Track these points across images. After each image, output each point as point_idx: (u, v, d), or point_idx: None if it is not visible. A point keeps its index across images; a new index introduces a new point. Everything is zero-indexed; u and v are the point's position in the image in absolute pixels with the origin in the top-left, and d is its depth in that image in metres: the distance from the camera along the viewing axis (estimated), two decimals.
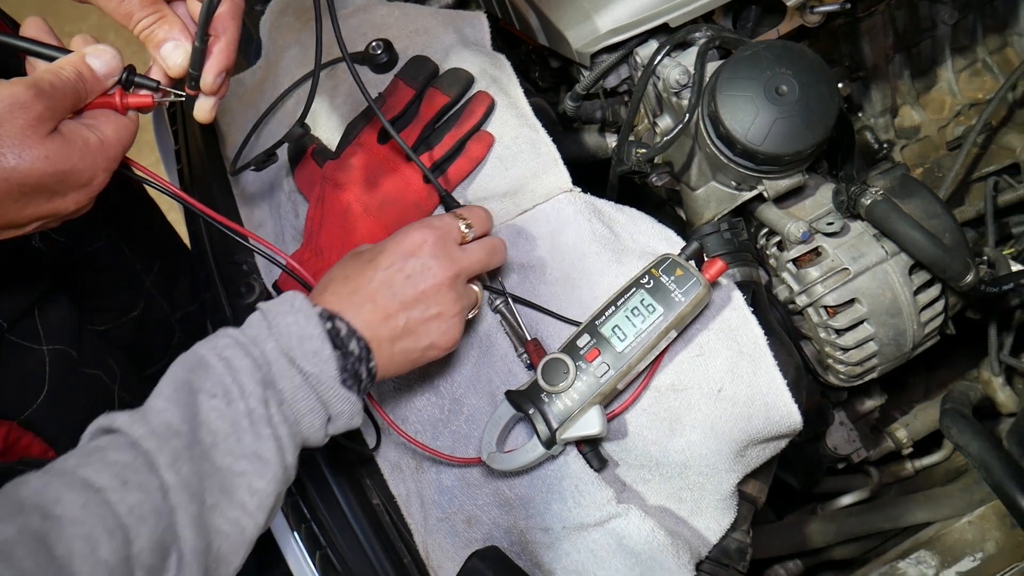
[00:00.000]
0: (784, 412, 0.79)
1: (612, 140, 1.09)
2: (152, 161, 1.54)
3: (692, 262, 0.79)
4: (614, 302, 0.79)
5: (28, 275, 0.91)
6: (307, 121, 1.05)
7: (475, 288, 0.81)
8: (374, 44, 1.02)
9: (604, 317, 0.79)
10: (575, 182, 0.93)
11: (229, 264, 1.15)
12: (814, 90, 0.86)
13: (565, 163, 0.94)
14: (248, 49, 1.29)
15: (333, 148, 1.01)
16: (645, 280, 0.79)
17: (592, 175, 1.03)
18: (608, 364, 0.77)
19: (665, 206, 1.18)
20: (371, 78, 1.03)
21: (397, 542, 0.94)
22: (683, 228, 1.07)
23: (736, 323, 0.82)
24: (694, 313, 0.79)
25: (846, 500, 1.19)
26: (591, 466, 0.81)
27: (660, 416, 0.81)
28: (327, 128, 1.04)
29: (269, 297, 1.08)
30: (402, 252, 0.76)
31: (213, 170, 1.19)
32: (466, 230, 0.80)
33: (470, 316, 0.81)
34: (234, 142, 1.15)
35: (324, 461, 0.98)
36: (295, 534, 0.99)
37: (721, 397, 0.80)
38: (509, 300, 0.86)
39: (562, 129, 1.14)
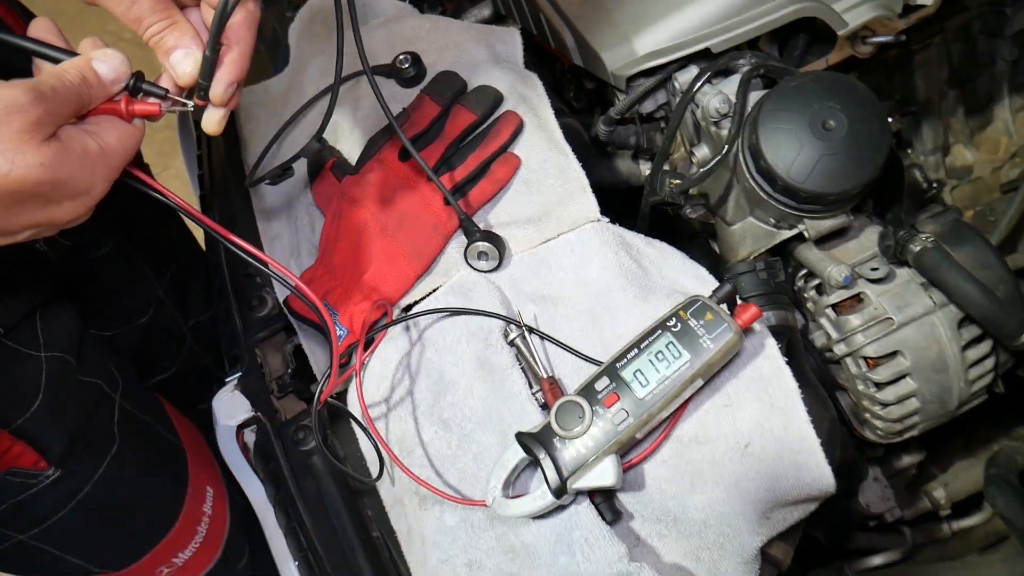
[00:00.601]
0: (816, 474, 0.73)
1: (646, 168, 1.04)
2: (178, 163, 1.52)
3: (724, 306, 0.74)
4: (637, 344, 0.74)
5: (31, 280, 0.87)
6: (328, 133, 1.02)
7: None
8: (401, 57, 0.98)
9: (626, 360, 0.73)
10: (605, 209, 0.88)
11: (243, 275, 1.11)
12: (864, 126, 0.81)
13: (595, 189, 0.90)
14: (276, 56, 1.27)
15: (353, 162, 0.96)
16: (672, 323, 0.73)
17: (623, 203, 0.98)
18: (627, 411, 0.72)
19: (698, 238, 1.13)
20: (397, 92, 0.99)
21: None
22: (716, 263, 1.02)
23: (768, 373, 0.76)
24: (723, 361, 0.73)
25: (877, 560, 1.12)
26: (603, 518, 0.75)
27: (681, 469, 0.75)
28: (349, 142, 1.00)
29: (280, 312, 1.04)
30: None
31: (234, 177, 1.16)
32: None
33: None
34: (256, 150, 1.12)
35: (324, 488, 0.94)
36: (296, 564, 0.95)
37: (748, 453, 0.74)
38: (526, 333, 0.81)
39: (594, 153, 1.09)
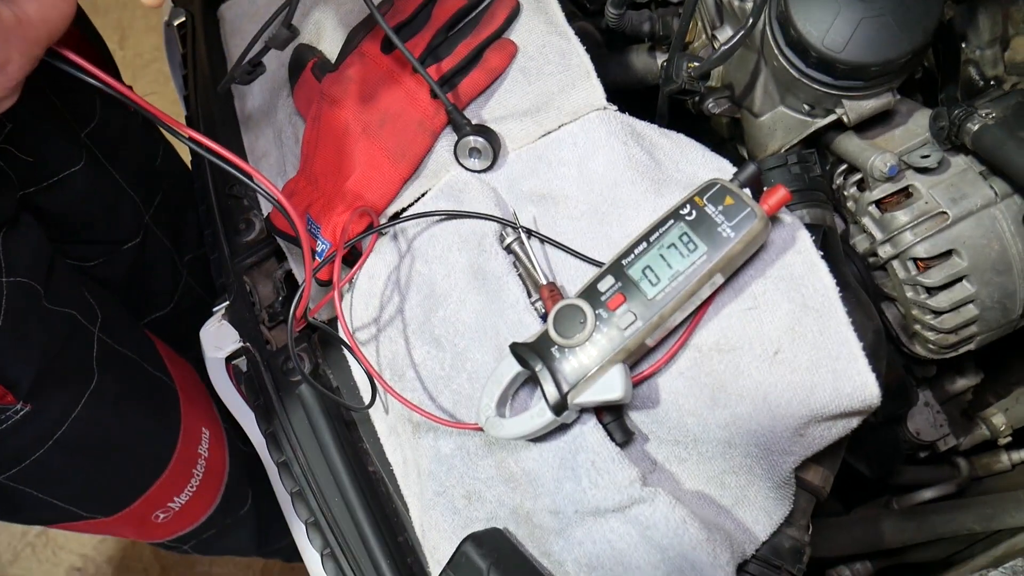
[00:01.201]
0: (858, 382, 0.63)
1: (663, 60, 0.93)
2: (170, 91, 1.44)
3: (747, 190, 0.63)
4: (646, 238, 0.64)
5: None
6: (311, 34, 0.93)
7: None
8: None
9: (633, 256, 0.64)
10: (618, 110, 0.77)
11: (228, 197, 1.03)
12: None
13: (607, 89, 0.79)
14: None
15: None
16: (686, 210, 0.63)
17: (640, 106, 0.87)
18: (635, 314, 0.62)
19: (727, 144, 1.02)
20: None
21: (393, 517, 0.82)
22: None
23: (800, 270, 0.65)
24: (747, 253, 0.63)
25: (928, 494, 1.01)
26: (612, 439, 0.66)
27: (700, 382, 0.65)
28: (332, 41, 0.90)
29: (270, 235, 0.96)
30: None
31: (219, 97, 1.08)
32: None
33: None
34: None
35: (315, 422, 0.86)
36: (292, 502, 0.88)
37: (778, 361, 0.64)
38: (523, 236, 0.72)
39: (606, 52, 0.98)
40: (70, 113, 0.93)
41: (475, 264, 0.73)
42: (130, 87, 1.21)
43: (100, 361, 0.93)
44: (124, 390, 0.96)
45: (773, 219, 0.65)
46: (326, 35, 0.91)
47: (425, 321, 0.76)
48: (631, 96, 0.90)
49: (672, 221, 0.63)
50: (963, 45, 1.12)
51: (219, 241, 1.01)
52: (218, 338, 0.97)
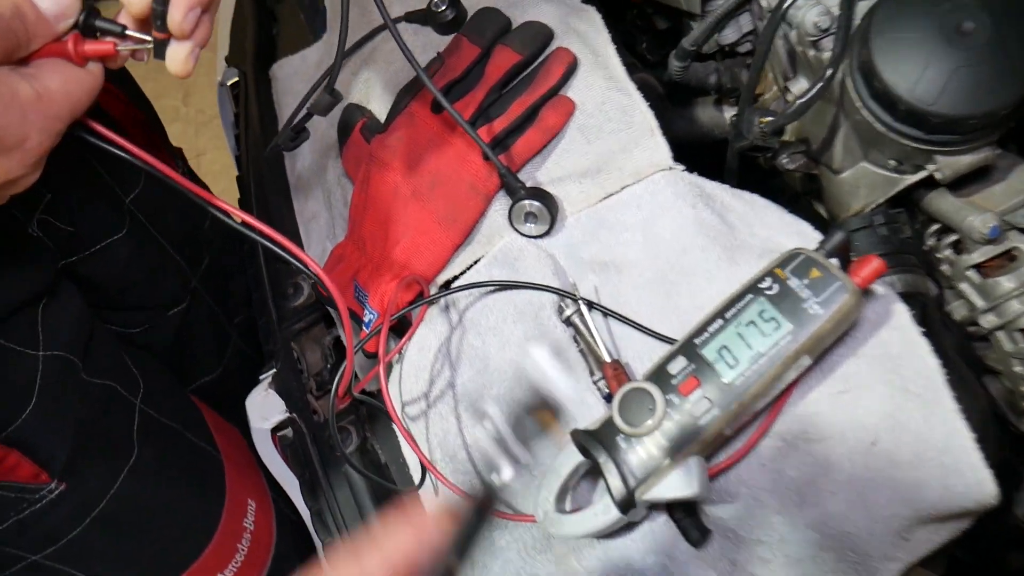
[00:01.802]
0: (971, 479, 0.55)
1: (731, 113, 0.87)
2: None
3: (835, 260, 0.56)
4: (721, 314, 0.57)
5: (25, 269, 0.77)
6: (359, 94, 0.90)
7: None
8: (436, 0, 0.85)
9: (707, 334, 0.57)
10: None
11: (277, 260, 1.00)
12: (1013, 26, 0.62)
13: (671, 144, 0.74)
14: (315, 22, 1.16)
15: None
16: (766, 284, 0.56)
17: (709, 164, 0.81)
18: (711, 400, 0.55)
19: (801, 200, 0.95)
20: (434, 40, 0.85)
21: None
22: (825, 229, 0.84)
23: (898, 348, 0.58)
24: (837, 332, 0.56)
25: None
26: (687, 538, 0.59)
27: (786, 476, 0.58)
28: (383, 100, 0.87)
29: (317, 300, 0.92)
30: None
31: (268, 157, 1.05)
32: None
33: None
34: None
35: (360, 501, 0.81)
36: None
37: (875, 453, 0.56)
38: (583, 308, 0.66)
39: (669, 106, 0.93)
40: (114, 179, 0.91)
41: (532, 338, 0.68)
42: (177, 151, 1.21)
43: (141, 433, 0.89)
44: (166, 462, 0.92)
45: (865, 292, 0.58)
46: (375, 95, 0.87)
47: (479, 398, 0.70)
48: (697, 151, 0.84)
49: (751, 296, 0.56)
50: None
51: (267, 306, 0.97)
52: (264, 408, 0.93)
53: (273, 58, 1.12)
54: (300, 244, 0.96)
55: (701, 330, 0.57)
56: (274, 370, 0.93)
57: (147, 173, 0.62)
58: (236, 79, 1.18)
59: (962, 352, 0.74)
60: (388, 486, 0.76)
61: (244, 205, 1.06)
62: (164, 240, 1.01)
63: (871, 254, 0.56)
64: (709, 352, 0.56)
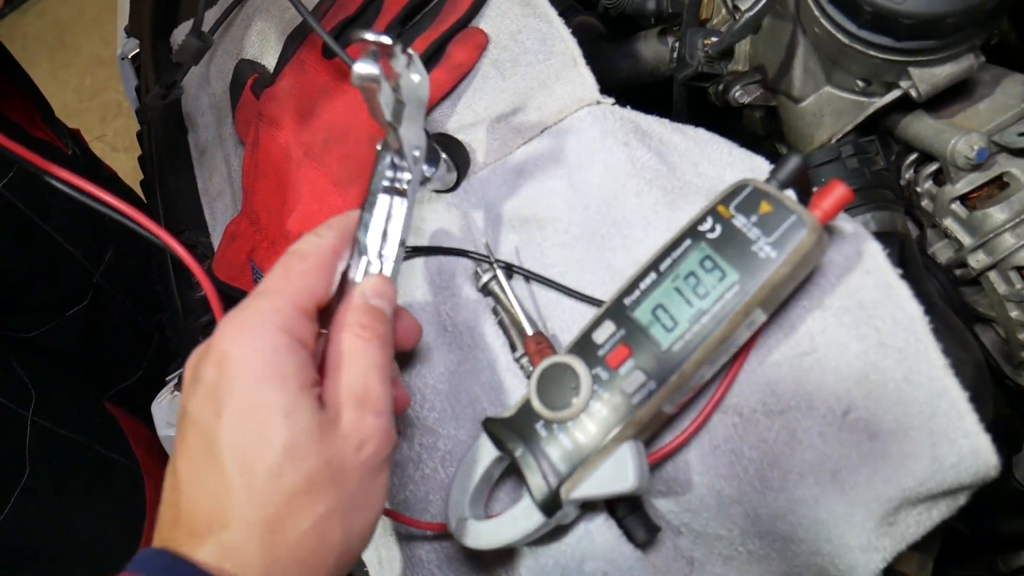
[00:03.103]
0: (965, 447, 0.45)
1: (676, 42, 0.76)
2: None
3: (790, 191, 0.46)
4: (655, 266, 0.47)
5: None
6: (254, 48, 0.79)
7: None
8: None
9: (639, 292, 0.47)
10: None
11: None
12: None
13: (614, 85, 0.63)
14: None
15: None
16: (707, 225, 0.46)
17: (659, 105, 0.71)
18: (646, 372, 0.45)
19: (764, 144, 0.85)
20: None
21: None
22: None
23: (872, 296, 0.48)
24: (796, 279, 0.46)
25: None
26: (631, 539, 0.49)
27: (745, 457, 0.48)
28: (278, 53, 0.76)
29: (220, 289, 0.82)
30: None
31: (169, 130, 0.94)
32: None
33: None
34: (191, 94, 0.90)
35: None
36: None
37: (849, 424, 0.46)
38: (500, 274, 0.56)
39: (609, 44, 0.82)
40: None
41: (444, 313, 0.57)
42: (74, 132, 1.09)
43: (34, 449, 0.79)
44: (68, 480, 0.82)
45: (829, 229, 0.48)
46: (270, 47, 0.76)
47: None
48: (647, 96, 0.74)
49: (689, 242, 0.46)
50: None
51: (172, 298, 0.87)
52: (170, 413, 0.82)
53: (175, 24, 1.00)
54: (205, 226, 0.85)
55: (631, 288, 0.47)
56: (180, 370, 0.83)
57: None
58: (137, 51, 1.07)
59: (950, 299, 0.64)
60: None
61: (147, 187, 0.95)
62: (55, 232, 0.90)
63: (838, 180, 0.46)
64: (642, 314, 0.46)
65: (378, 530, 0.63)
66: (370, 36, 0.42)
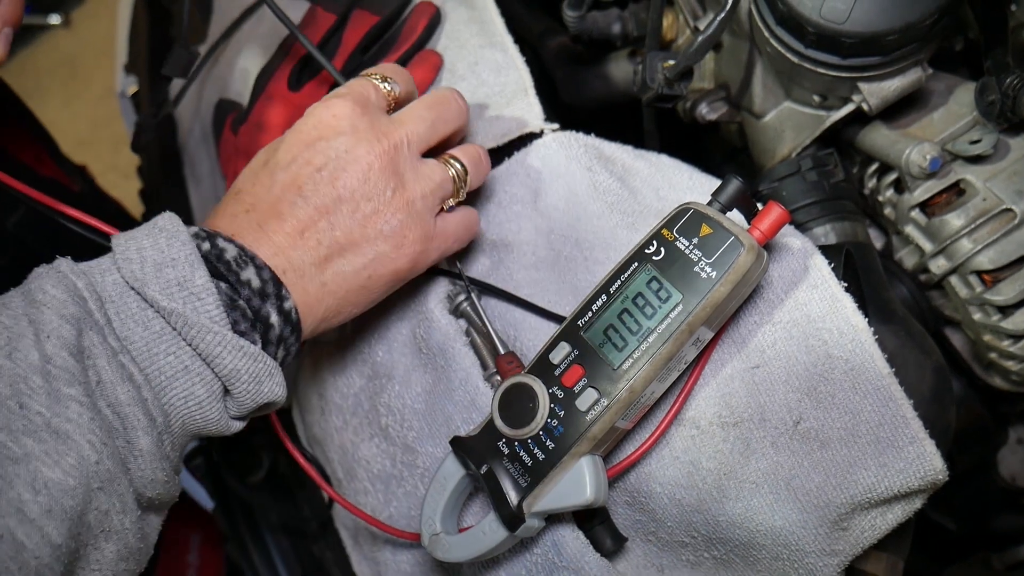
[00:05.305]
0: (911, 453, 0.47)
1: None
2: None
3: (734, 213, 0.48)
4: (606, 288, 0.49)
5: None
6: (239, 84, 0.82)
7: (437, 164, 0.54)
8: None
9: (591, 314, 0.49)
10: (607, 133, 0.63)
11: None
12: None
13: (588, 105, 0.65)
14: (209, 18, 1.08)
15: None
16: (652, 248, 0.48)
17: (632, 120, 0.73)
18: (598, 390, 0.47)
19: (739, 155, 0.86)
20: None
21: None
22: None
23: (819, 309, 0.50)
24: (738, 297, 0.48)
25: None
26: (598, 548, 0.51)
27: (702, 468, 0.50)
28: None
29: None
30: (304, 140, 0.53)
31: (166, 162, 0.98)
32: (386, 86, 0.56)
33: (448, 207, 0.55)
34: (186, 125, 0.93)
35: (272, 528, 0.73)
36: None
37: (800, 433, 0.48)
38: (473, 295, 0.58)
39: (582, 67, 0.84)
40: None
41: (419, 334, 0.60)
42: None
43: None
44: None
45: (773, 246, 0.50)
46: (250, 85, 0.79)
47: (371, 409, 0.62)
48: (621, 116, 0.76)
49: (636, 264, 0.48)
50: (1012, 7, 0.95)
51: None
52: None
53: None
54: None
55: (584, 310, 0.49)
56: None
57: None
58: (136, 88, 1.10)
59: (915, 305, 0.66)
60: (289, 518, 0.69)
61: (147, 219, 0.98)
62: None
63: (774, 202, 0.48)
64: (594, 335, 0.48)
65: (366, 543, 0.65)
66: None
